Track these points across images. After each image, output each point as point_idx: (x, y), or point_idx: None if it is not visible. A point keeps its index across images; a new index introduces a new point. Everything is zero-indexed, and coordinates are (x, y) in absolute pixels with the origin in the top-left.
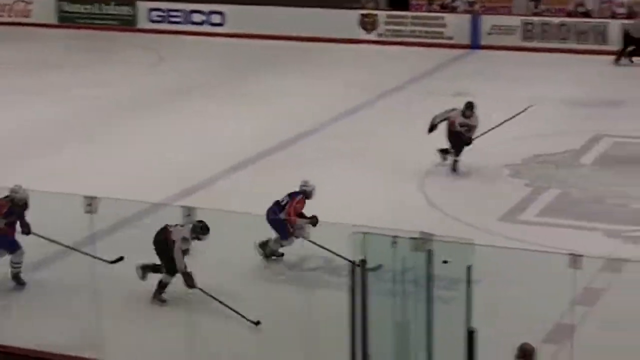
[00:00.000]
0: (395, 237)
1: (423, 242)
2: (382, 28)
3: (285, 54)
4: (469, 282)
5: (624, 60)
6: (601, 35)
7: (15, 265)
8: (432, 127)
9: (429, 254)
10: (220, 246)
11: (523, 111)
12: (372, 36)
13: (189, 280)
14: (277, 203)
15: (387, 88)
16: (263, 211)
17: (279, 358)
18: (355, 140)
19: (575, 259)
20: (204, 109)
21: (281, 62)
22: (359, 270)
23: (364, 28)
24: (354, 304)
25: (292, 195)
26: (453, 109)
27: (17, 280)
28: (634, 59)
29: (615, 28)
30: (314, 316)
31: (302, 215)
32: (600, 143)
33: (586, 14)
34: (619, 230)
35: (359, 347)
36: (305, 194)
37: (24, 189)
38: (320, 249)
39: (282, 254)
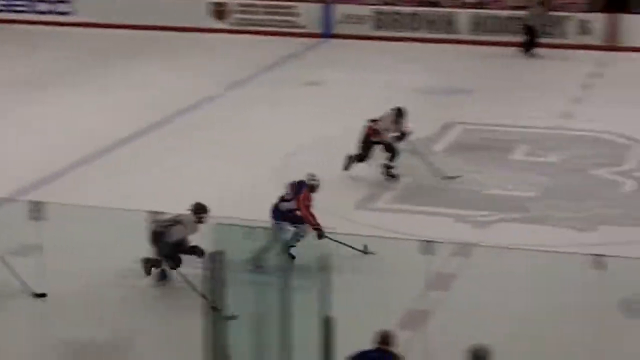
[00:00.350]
0: (252, 227)
1: (280, 233)
2: (233, 17)
3: (134, 43)
4: (325, 270)
5: (533, 51)
6: (450, 24)
7: None
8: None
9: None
10: (74, 243)
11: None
12: (224, 25)
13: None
14: (282, 198)
15: (240, 77)
16: (116, 204)
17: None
18: (208, 130)
19: (427, 245)
20: (53, 100)
21: (130, 52)
22: (214, 260)
23: (216, 17)
24: (211, 295)
25: (296, 190)
26: (378, 119)
27: None
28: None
29: (464, 17)
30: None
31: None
32: (451, 130)
33: (435, 4)
34: (469, 215)
35: (217, 338)
36: (310, 187)
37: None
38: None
39: (294, 257)
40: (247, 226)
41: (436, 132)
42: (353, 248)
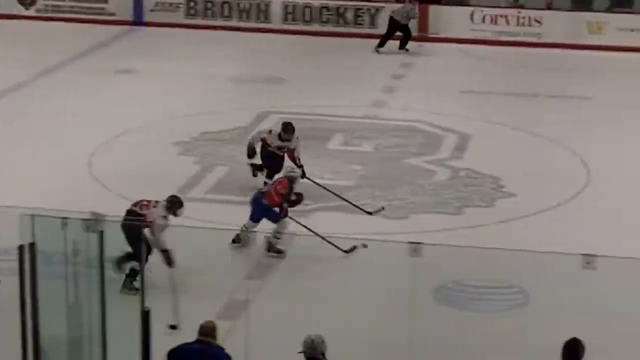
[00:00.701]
0: (65, 218)
1: (94, 223)
2: (40, 4)
3: None
4: (141, 261)
5: (385, 48)
6: (263, 12)
7: None
8: (251, 151)
9: (101, 235)
10: None
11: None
12: (31, 12)
13: (169, 259)
14: (259, 191)
15: (48, 66)
16: None
17: None
18: (17, 120)
19: (247, 235)
20: None
21: None
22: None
23: (22, 4)
24: (22, 288)
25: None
26: (269, 131)
27: None
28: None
29: (277, 6)
30: None
31: (285, 197)
32: (266, 120)
33: None
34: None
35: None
36: (289, 178)
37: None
38: None
39: (283, 252)
40: (59, 217)
41: (251, 121)
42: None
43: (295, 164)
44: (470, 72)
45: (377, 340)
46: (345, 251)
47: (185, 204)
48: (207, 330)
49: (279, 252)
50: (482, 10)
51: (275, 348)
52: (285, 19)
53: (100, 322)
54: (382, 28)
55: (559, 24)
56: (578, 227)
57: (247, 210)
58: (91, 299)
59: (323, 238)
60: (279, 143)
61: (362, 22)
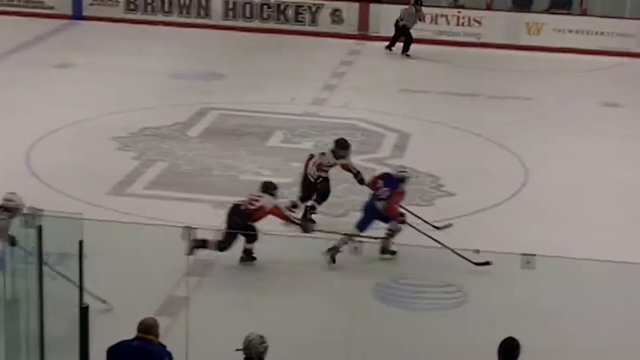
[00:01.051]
0: None
1: (32, 218)
2: None
3: None
4: (80, 257)
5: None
6: (203, 8)
7: None
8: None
9: (39, 230)
10: None
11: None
12: None
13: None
14: (375, 196)
15: None
16: None
17: None
18: None
19: (188, 230)
20: None
21: None
22: None
23: None
24: None
25: (391, 185)
26: (322, 154)
27: None
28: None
29: (217, 2)
30: None
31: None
32: (206, 116)
33: None
34: (228, 201)
35: None
36: (402, 179)
37: (19, 197)
38: None
39: (395, 252)
40: None
41: (191, 117)
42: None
43: (354, 174)
44: (410, 71)
45: (316, 338)
46: (477, 264)
47: (125, 199)
48: (147, 327)
49: (393, 252)
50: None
51: (215, 345)
52: (225, 15)
53: (38, 318)
54: (322, 25)
55: (498, 24)
56: (516, 226)
57: (190, 206)
58: (29, 295)
59: (453, 251)
60: (334, 161)
61: (302, 20)
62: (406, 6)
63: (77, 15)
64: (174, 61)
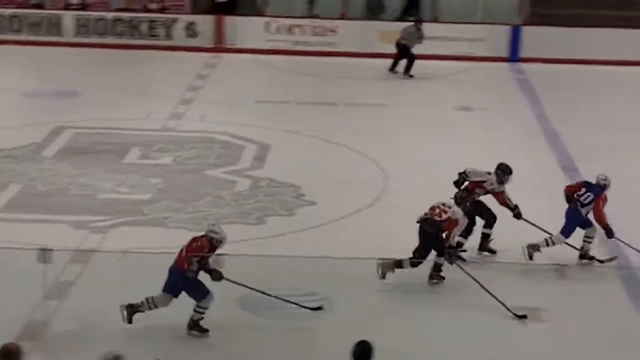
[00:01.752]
0: None
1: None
2: None
3: None
4: None
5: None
6: (55, 26)
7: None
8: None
9: None
10: None
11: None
12: None
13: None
14: (577, 200)
15: None
16: None
17: None
18: None
19: (44, 253)
20: None
21: None
22: None
23: None
24: None
25: (593, 192)
26: (483, 182)
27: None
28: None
29: (69, 19)
30: None
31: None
32: (61, 135)
33: (39, 6)
34: (85, 221)
35: None
36: (603, 188)
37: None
38: None
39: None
40: None
41: (45, 136)
42: None
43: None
44: (267, 82)
45: (178, 347)
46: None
47: None
48: (10, 352)
49: (591, 258)
50: (277, 21)
51: None
52: (77, 32)
53: None
54: (177, 39)
55: (352, 33)
56: (377, 232)
57: (47, 228)
58: None
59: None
60: (495, 187)
61: (157, 34)
62: (408, 24)
63: None
64: (26, 80)
